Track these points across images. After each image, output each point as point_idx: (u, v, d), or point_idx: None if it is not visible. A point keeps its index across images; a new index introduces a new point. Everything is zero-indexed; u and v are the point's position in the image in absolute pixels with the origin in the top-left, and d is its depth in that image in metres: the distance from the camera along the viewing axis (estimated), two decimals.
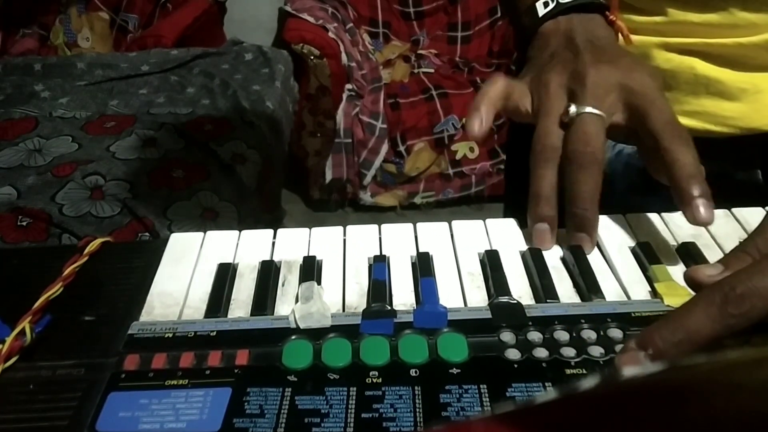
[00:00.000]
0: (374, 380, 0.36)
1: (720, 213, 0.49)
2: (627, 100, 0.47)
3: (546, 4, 0.53)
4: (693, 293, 0.40)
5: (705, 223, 0.43)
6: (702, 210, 0.42)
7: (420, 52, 2.53)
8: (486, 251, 0.46)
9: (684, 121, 0.60)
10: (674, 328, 0.33)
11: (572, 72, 0.48)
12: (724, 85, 0.58)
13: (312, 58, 2.17)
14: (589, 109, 0.46)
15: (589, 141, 0.45)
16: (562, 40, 0.51)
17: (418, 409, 0.34)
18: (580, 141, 0.45)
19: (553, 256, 0.46)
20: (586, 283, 0.43)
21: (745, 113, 0.58)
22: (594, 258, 0.45)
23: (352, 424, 0.34)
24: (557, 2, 0.53)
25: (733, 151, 0.61)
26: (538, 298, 0.42)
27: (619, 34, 0.55)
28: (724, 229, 0.47)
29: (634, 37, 0.59)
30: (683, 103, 0.60)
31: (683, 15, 0.56)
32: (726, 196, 0.50)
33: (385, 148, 2.23)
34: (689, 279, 0.40)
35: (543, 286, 0.43)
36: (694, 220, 0.42)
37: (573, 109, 0.46)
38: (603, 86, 0.47)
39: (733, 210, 0.49)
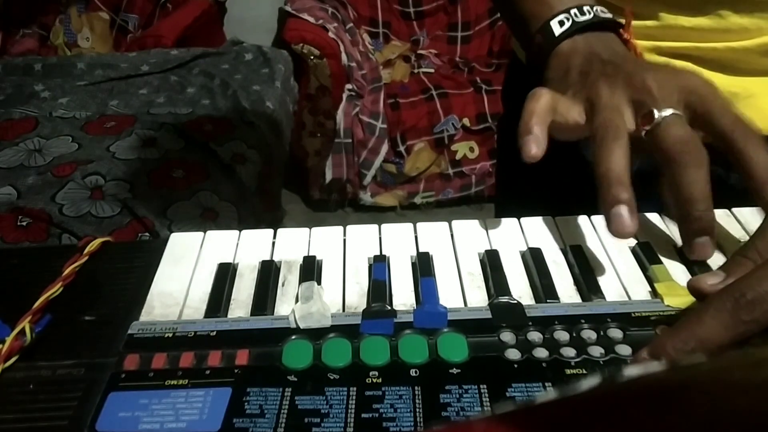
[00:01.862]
0: (374, 380, 0.36)
1: (720, 213, 0.49)
2: (688, 100, 0.44)
3: (561, 23, 0.51)
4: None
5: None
6: (703, 252, 0.42)
7: (420, 52, 2.53)
8: (486, 251, 0.46)
9: None
10: (686, 337, 0.33)
11: (625, 82, 0.46)
12: None
13: (312, 58, 2.17)
14: (670, 111, 0.43)
15: (689, 139, 0.42)
16: (586, 58, 0.49)
17: (418, 409, 0.34)
18: (679, 142, 0.42)
19: (554, 255, 0.46)
20: (586, 283, 0.43)
21: None
22: (594, 258, 0.45)
23: (352, 424, 0.34)
24: (573, 21, 0.51)
25: (725, 155, 0.61)
26: (538, 298, 0.42)
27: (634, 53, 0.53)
28: (725, 230, 0.47)
29: None
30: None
31: (675, 19, 0.56)
32: (720, 200, 0.50)
33: (385, 148, 2.23)
34: (692, 289, 0.38)
35: (543, 286, 0.43)
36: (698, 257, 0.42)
37: (657, 114, 0.43)
38: (667, 88, 0.44)
39: (734, 210, 0.49)
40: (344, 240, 0.48)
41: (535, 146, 0.44)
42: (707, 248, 0.43)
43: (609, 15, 0.52)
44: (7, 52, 2.12)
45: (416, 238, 0.48)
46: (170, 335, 0.40)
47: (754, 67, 0.57)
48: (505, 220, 0.49)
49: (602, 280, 0.43)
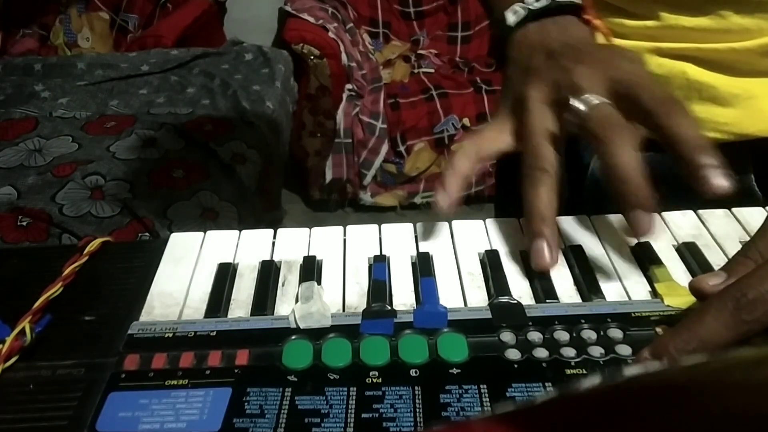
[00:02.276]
0: (374, 380, 0.36)
1: (720, 213, 0.49)
2: (615, 90, 0.44)
3: (515, 12, 0.51)
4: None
5: (723, 192, 0.39)
6: (715, 179, 0.39)
7: (420, 52, 2.53)
8: (486, 251, 0.46)
9: None
10: (688, 336, 0.33)
11: (554, 82, 0.46)
12: (716, 91, 0.57)
13: (312, 58, 2.17)
14: (597, 101, 0.43)
15: (617, 123, 0.42)
16: (535, 50, 0.49)
17: (418, 409, 0.34)
18: (608, 127, 0.42)
19: None
20: (586, 283, 0.43)
21: (738, 119, 0.58)
22: (594, 258, 0.45)
23: (352, 424, 0.34)
24: (528, 9, 0.50)
25: (726, 156, 0.61)
26: (538, 298, 0.42)
27: (599, 34, 0.53)
28: (725, 229, 0.47)
29: (625, 42, 0.59)
30: None
31: (675, 19, 0.56)
32: (719, 202, 0.50)
33: (385, 148, 2.23)
34: (694, 290, 0.38)
35: (543, 286, 0.42)
36: (710, 191, 0.39)
37: (581, 105, 0.43)
38: (594, 80, 0.44)
39: (734, 210, 0.49)
40: (344, 240, 0.48)
41: (445, 201, 0.45)
42: (646, 224, 0.41)
43: None
44: (7, 52, 2.12)
45: (416, 238, 0.48)
46: (170, 335, 0.40)
47: (755, 67, 0.56)
48: (505, 220, 0.49)
49: (602, 280, 0.43)
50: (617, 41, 0.59)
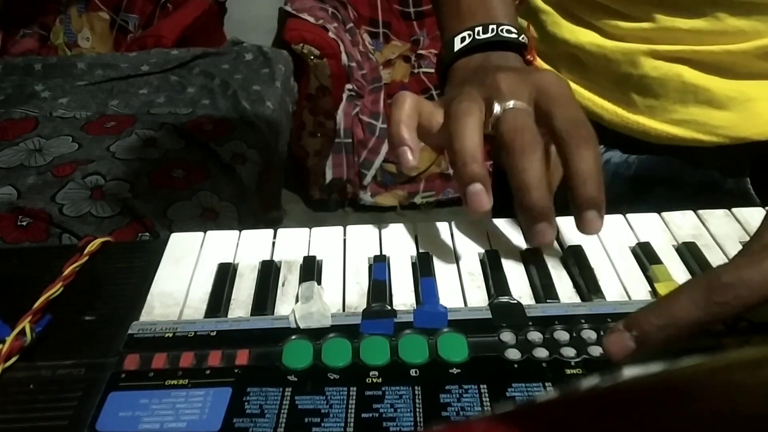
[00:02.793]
0: (374, 380, 0.36)
1: (720, 213, 0.49)
2: (536, 98, 0.44)
3: (463, 39, 0.52)
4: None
5: (593, 233, 0.42)
6: (589, 221, 0.42)
7: (420, 52, 2.53)
8: (486, 251, 0.46)
9: (672, 130, 0.59)
10: (660, 312, 0.34)
11: (480, 82, 0.46)
12: (712, 93, 0.57)
13: (312, 58, 2.17)
14: (512, 103, 0.44)
15: (525, 128, 0.43)
16: (473, 72, 0.50)
17: (418, 409, 0.34)
18: (515, 129, 0.43)
19: (554, 255, 0.46)
20: (586, 283, 0.43)
21: (734, 122, 0.57)
22: (594, 258, 0.45)
23: (352, 424, 0.34)
24: (473, 38, 0.51)
25: (722, 160, 0.61)
26: (538, 298, 0.42)
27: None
28: (725, 230, 0.47)
29: (621, 44, 0.59)
30: (671, 112, 0.59)
31: (671, 21, 0.56)
32: (715, 205, 0.50)
33: (385, 148, 2.23)
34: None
35: (543, 286, 0.43)
36: (583, 230, 0.42)
37: (497, 107, 0.44)
38: (517, 86, 0.45)
39: (734, 210, 0.49)
40: (344, 240, 0.48)
41: (410, 155, 0.45)
42: (545, 234, 0.42)
43: (514, 35, 0.51)
44: (7, 52, 2.12)
45: (416, 238, 0.48)
46: (170, 335, 0.40)
47: (751, 70, 0.56)
48: (505, 221, 0.49)
49: (602, 280, 0.43)
50: (612, 43, 0.59)
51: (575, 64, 0.62)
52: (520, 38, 0.52)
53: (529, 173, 0.41)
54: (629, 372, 0.22)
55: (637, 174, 0.64)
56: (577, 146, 0.41)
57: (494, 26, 0.51)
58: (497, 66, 0.49)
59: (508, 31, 0.51)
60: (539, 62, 0.52)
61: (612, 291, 0.42)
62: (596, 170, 0.41)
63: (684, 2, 0.55)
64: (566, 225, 0.48)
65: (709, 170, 0.62)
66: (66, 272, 0.44)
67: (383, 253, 0.47)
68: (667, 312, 0.34)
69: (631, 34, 0.58)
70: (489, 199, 0.42)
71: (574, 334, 0.39)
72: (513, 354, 0.37)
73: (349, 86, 2.23)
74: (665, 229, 0.48)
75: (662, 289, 0.41)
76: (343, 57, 2.21)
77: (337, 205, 2.41)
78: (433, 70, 2.42)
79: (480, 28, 0.51)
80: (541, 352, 0.37)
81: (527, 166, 0.41)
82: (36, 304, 0.41)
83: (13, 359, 0.38)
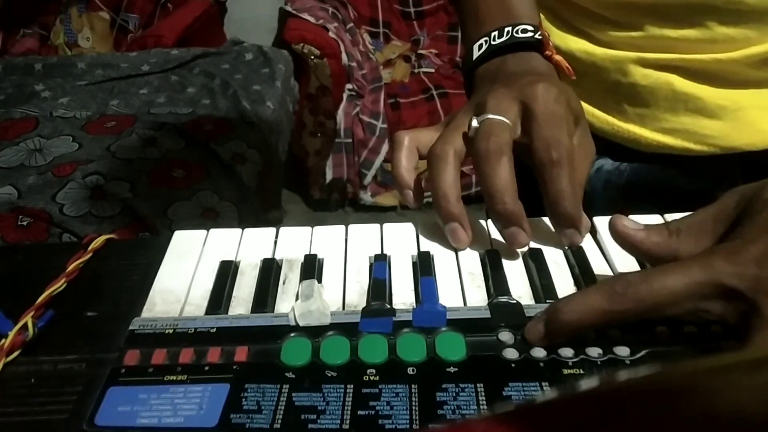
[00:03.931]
0: (371, 378, 0.36)
1: None
2: (522, 116, 0.45)
3: (480, 47, 0.52)
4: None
5: (573, 246, 0.45)
6: (568, 238, 0.45)
7: (420, 51, 2.53)
8: (487, 251, 0.46)
9: (662, 138, 0.59)
10: (570, 298, 0.37)
11: (473, 103, 0.47)
12: (703, 102, 0.57)
13: (312, 57, 2.17)
14: (491, 116, 0.44)
15: (492, 135, 0.43)
16: (489, 82, 0.50)
17: (414, 407, 0.34)
18: (483, 138, 0.44)
19: (554, 255, 0.46)
20: (586, 284, 0.43)
21: (725, 131, 0.57)
22: (594, 258, 0.45)
23: (348, 421, 0.34)
24: (489, 44, 0.51)
25: (714, 168, 0.60)
26: (537, 298, 0.42)
27: (561, 70, 0.53)
28: None
29: (611, 52, 0.59)
30: (662, 121, 0.58)
31: (660, 30, 0.55)
32: None
33: (385, 147, 2.24)
34: (611, 225, 0.41)
35: (543, 286, 0.43)
36: (568, 243, 0.45)
37: (474, 122, 0.45)
38: (504, 102, 0.45)
39: None
40: (346, 239, 0.48)
41: (411, 195, 0.48)
42: (517, 237, 0.44)
43: (530, 34, 0.51)
44: (7, 52, 2.12)
45: (417, 237, 0.48)
46: (171, 331, 0.40)
47: (741, 78, 0.56)
48: None
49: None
50: (602, 51, 0.59)
51: None
52: (536, 36, 0.51)
53: (493, 179, 0.43)
54: (629, 373, 0.23)
55: (629, 182, 0.63)
56: (550, 168, 0.43)
57: (509, 28, 0.51)
58: (505, 78, 0.49)
59: (524, 31, 0.51)
60: (558, 58, 0.52)
61: None
62: (568, 188, 0.43)
63: (673, 11, 0.54)
64: None
65: (701, 179, 0.61)
66: (69, 269, 0.45)
67: (384, 251, 0.47)
68: (574, 298, 0.37)
69: (620, 42, 0.58)
70: (469, 234, 0.46)
71: None
72: (511, 353, 0.37)
73: (349, 86, 2.23)
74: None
75: None
76: (344, 57, 2.21)
77: (337, 205, 2.41)
78: (433, 70, 2.43)
79: (496, 33, 0.51)
80: (539, 352, 0.37)
81: (491, 172, 0.43)
82: (39, 300, 0.41)
83: (15, 353, 0.38)
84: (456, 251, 0.46)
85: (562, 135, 0.43)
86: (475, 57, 0.52)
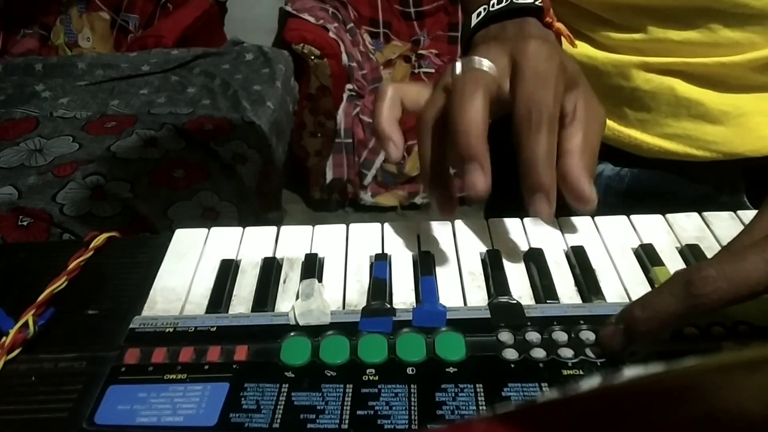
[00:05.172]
0: (371, 378, 0.36)
1: (725, 215, 0.49)
2: (511, 71, 0.43)
3: (479, 14, 0.51)
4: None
5: (543, 218, 0.42)
6: (535, 204, 0.41)
7: (420, 52, 2.53)
8: (488, 251, 0.46)
9: (664, 144, 0.58)
10: (645, 305, 0.35)
11: (468, 55, 0.45)
12: (705, 107, 0.56)
13: (312, 58, 2.17)
14: (477, 61, 0.42)
15: (472, 72, 0.42)
16: (486, 44, 0.48)
17: (413, 408, 0.34)
18: (463, 75, 0.42)
19: (555, 255, 0.46)
20: (587, 284, 0.43)
21: (728, 137, 0.56)
22: (596, 259, 0.45)
23: (347, 421, 0.34)
24: (488, 10, 0.50)
25: (717, 175, 0.60)
26: (538, 299, 0.42)
27: (562, 39, 0.52)
28: (729, 232, 0.47)
29: (612, 56, 0.58)
30: (663, 126, 0.58)
31: (663, 33, 0.54)
32: (720, 205, 0.49)
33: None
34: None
35: (543, 287, 0.42)
36: (532, 213, 0.42)
37: (458, 65, 0.43)
38: (493, 52, 0.44)
39: (739, 213, 0.49)
40: (346, 238, 0.48)
41: (393, 147, 0.45)
42: (476, 178, 0.40)
43: (530, 0, 0.49)
44: (7, 52, 2.12)
45: (418, 237, 0.48)
46: (171, 330, 0.40)
47: (744, 82, 0.55)
48: (507, 221, 0.49)
49: (603, 281, 0.43)
50: (603, 55, 0.59)
51: None
52: (537, 2, 0.50)
53: (462, 113, 0.40)
54: (629, 372, 0.23)
55: (629, 187, 0.63)
56: (527, 131, 0.41)
57: None
58: (501, 38, 0.47)
59: None
60: (559, 25, 0.51)
61: (612, 292, 0.42)
62: (543, 156, 0.40)
63: (676, 13, 0.54)
64: (568, 225, 0.48)
65: (703, 185, 0.61)
66: (71, 266, 0.45)
67: (385, 251, 0.47)
68: (651, 305, 0.34)
69: (622, 46, 0.57)
70: (453, 210, 0.44)
71: (573, 335, 0.38)
72: (510, 354, 0.37)
73: (349, 86, 2.23)
74: (669, 231, 0.48)
75: None
76: (344, 57, 2.21)
77: (337, 205, 2.41)
78: (433, 70, 2.43)
79: (495, 0, 0.50)
80: (539, 353, 0.37)
81: (462, 106, 0.40)
82: (40, 298, 0.41)
83: (16, 351, 0.38)
84: (456, 251, 0.46)
85: (547, 95, 0.41)
86: (474, 24, 0.51)
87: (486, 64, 0.43)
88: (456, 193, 0.44)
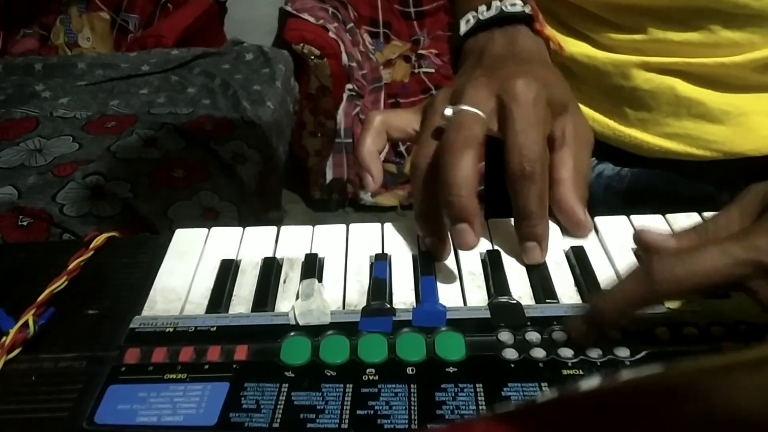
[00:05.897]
0: (371, 377, 0.36)
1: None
2: (499, 110, 0.44)
3: (468, 21, 0.50)
4: (692, 298, 0.40)
5: (533, 263, 0.45)
6: (529, 253, 0.44)
7: (420, 51, 2.53)
8: (488, 251, 0.46)
9: (665, 143, 0.58)
10: (608, 292, 0.37)
11: (453, 91, 0.46)
12: (706, 107, 0.56)
13: (312, 58, 2.17)
14: (465, 107, 0.43)
15: (462, 128, 0.42)
16: (474, 60, 0.49)
17: (413, 407, 0.34)
18: (454, 129, 0.42)
19: (555, 255, 0.46)
20: (586, 284, 0.43)
21: (729, 137, 0.57)
22: (596, 259, 0.45)
23: (347, 421, 0.34)
24: (477, 18, 0.50)
25: (717, 174, 0.60)
26: (537, 299, 0.42)
27: (552, 45, 0.52)
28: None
29: (613, 56, 0.58)
30: (664, 125, 0.58)
31: (663, 33, 0.54)
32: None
33: (385, 148, 2.23)
34: (638, 239, 0.41)
35: (543, 287, 0.43)
36: (528, 260, 0.45)
37: (449, 110, 0.43)
38: (481, 93, 0.44)
39: None
40: (346, 238, 0.48)
41: (370, 179, 0.48)
42: (465, 236, 0.42)
43: (519, 8, 0.49)
44: (7, 52, 2.12)
45: (418, 237, 0.48)
46: (171, 330, 0.40)
47: (745, 83, 0.55)
48: (507, 221, 0.49)
49: (603, 282, 0.43)
50: (604, 55, 0.59)
51: (567, 74, 0.61)
52: (526, 10, 0.50)
53: (453, 170, 0.41)
54: (628, 373, 0.23)
55: (629, 187, 0.63)
56: (521, 181, 0.42)
57: (498, 2, 0.49)
58: (490, 61, 0.47)
59: (512, 5, 0.49)
60: (548, 32, 0.51)
61: None
62: (535, 206, 0.43)
63: (676, 14, 0.54)
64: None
65: (703, 184, 0.61)
66: (71, 266, 0.45)
67: (385, 251, 0.47)
68: (612, 291, 0.36)
69: (623, 46, 0.57)
70: (447, 251, 0.45)
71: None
72: (510, 354, 0.37)
73: (349, 86, 2.23)
74: (668, 231, 0.48)
75: None
76: (344, 57, 2.21)
77: (337, 205, 2.41)
78: (433, 70, 2.43)
79: (484, 7, 0.50)
80: (539, 353, 0.37)
81: (453, 162, 0.41)
82: (40, 298, 0.41)
83: (16, 351, 0.38)
84: (457, 251, 0.46)
85: (536, 144, 0.42)
86: (462, 32, 0.51)
87: (474, 114, 0.43)
88: (448, 237, 0.45)
